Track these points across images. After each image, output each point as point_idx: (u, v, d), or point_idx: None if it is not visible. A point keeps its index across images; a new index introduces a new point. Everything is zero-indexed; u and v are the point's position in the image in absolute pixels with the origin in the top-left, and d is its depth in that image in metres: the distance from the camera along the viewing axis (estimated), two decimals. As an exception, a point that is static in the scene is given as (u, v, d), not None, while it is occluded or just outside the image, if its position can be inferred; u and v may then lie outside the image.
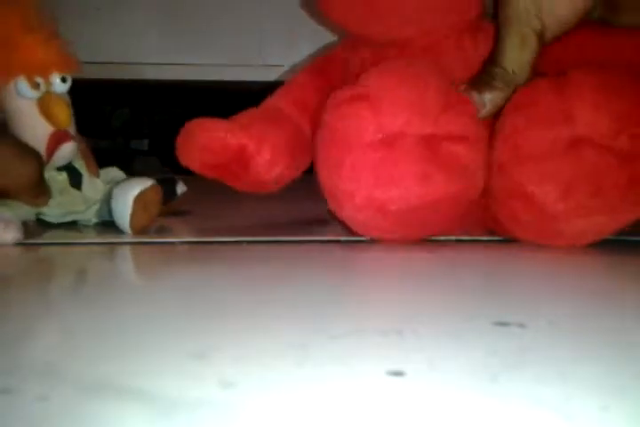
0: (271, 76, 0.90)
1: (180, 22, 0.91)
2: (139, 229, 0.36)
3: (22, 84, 0.33)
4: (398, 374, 0.15)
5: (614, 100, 0.30)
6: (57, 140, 0.34)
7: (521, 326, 0.18)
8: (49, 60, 0.34)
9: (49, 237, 0.35)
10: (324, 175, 0.32)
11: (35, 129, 0.34)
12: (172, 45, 0.91)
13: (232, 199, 0.58)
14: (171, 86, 0.99)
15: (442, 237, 0.35)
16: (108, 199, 0.37)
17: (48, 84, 0.34)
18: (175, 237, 0.36)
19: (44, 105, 0.34)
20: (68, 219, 0.38)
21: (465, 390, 0.14)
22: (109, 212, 0.37)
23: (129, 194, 0.35)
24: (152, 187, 0.36)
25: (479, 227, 0.35)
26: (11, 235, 0.33)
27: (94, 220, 0.38)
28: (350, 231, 0.33)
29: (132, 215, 0.35)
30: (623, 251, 0.32)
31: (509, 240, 0.34)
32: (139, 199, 0.35)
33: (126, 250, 0.33)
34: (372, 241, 0.34)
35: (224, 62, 0.88)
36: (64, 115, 0.34)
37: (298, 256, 0.31)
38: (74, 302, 0.22)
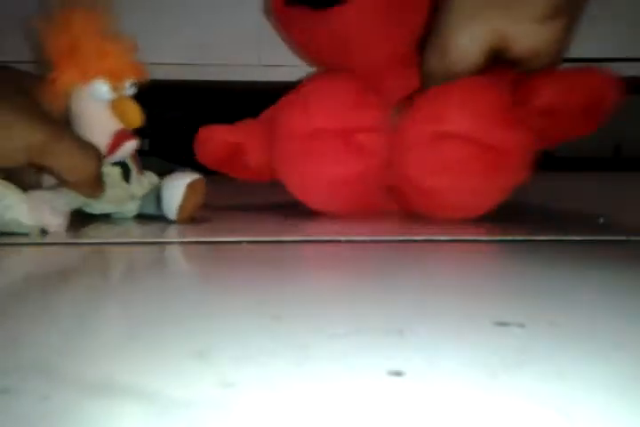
0: (270, 76, 0.90)
1: (179, 22, 0.91)
2: (185, 218, 0.40)
3: (103, 87, 0.37)
4: (398, 374, 0.15)
5: (476, 101, 0.38)
6: (122, 137, 0.39)
7: (521, 326, 0.18)
8: (126, 67, 0.38)
9: (50, 237, 0.35)
10: (274, 162, 0.43)
11: (102, 127, 0.38)
12: (171, 45, 0.91)
13: (236, 197, 0.58)
14: (171, 86, 0.99)
15: (442, 238, 0.35)
16: (152, 194, 0.41)
17: (121, 87, 0.38)
18: (173, 236, 0.36)
19: (120, 107, 0.38)
20: (110, 211, 0.41)
21: (465, 389, 0.14)
22: (155, 204, 0.40)
23: (182, 182, 0.39)
24: (200, 179, 0.40)
25: (395, 205, 0.45)
26: (57, 220, 0.35)
27: (133, 213, 0.42)
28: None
29: (183, 202, 0.39)
30: (628, 252, 0.32)
31: (509, 240, 0.34)
32: (189, 188, 0.39)
33: (124, 250, 0.33)
34: (373, 241, 0.34)
35: (224, 62, 0.87)
36: (138, 116, 0.38)
37: (298, 256, 0.31)
38: (73, 302, 0.22)
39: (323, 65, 0.48)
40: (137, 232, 0.39)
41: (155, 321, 0.19)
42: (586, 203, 0.58)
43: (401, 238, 0.35)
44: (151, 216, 0.41)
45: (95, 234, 0.37)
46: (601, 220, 0.41)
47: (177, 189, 0.39)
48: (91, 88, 0.37)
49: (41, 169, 0.36)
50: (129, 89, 0.38)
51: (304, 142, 0.41)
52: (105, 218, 0.41)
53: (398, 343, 0.17)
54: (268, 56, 0.92)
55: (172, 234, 0.37)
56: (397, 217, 0.46)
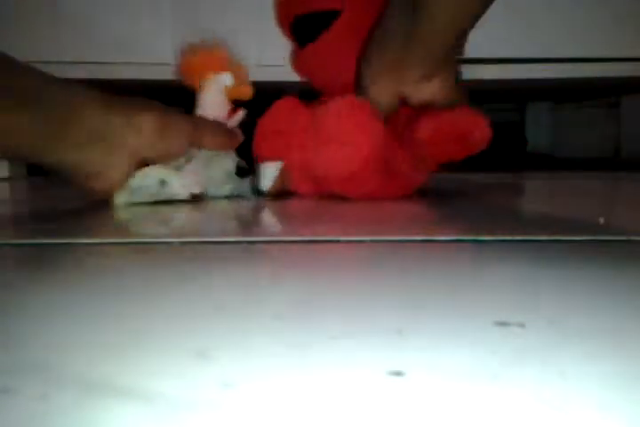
0: (270, 76, 0.90)
1: (179, 22, 0.91)
2: (274, 192, 0.56)
3: (228, 77, 0.58)
4: (398, 374, 0.15)
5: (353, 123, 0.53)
6: (234, 111, 0.59)
7: (521, 326, 0.18)
8: (240, 67, 0.59)
9: (37, 237, 0.35)
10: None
11: (221, 104, 0.58)
12: (171, 45, 0.91)
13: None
14: (172, 86, 0.99)
15: (441, 238, 0.35)
16: (246, 179, 0.57)
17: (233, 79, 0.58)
18: (173, 236, 0.36)
19: (238, 89, 0.58)
20: (222, 193, 0.56)
21: (465, 390, 0.14)
22: (249, 185, 0.57)
23: (277, 165, 0.56)
24: (284, 166, 0.57)
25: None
26: (199, 190, 0.54)
27: (226, 194, 0.57)
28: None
29: (277, 179, 0.56)
30: (628, 252, 0.32)
31: (509, 240, 0.34)
32: (281, 170, 0.56)
33: (126, 250, 0.33)
34: (373, 241, 0.34)
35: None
36: (250, 90, 0.59)
37: (298, 256, 0.31)
38: (73, 301, 0.22)
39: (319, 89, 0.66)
40: (140, 232, 0.39)
41: (154, 321, 0.19)
42: (586, 203, 0.58)
43: (401, 238, 0.35)
44: (239, 196, 0.57)
45: (97, 234, 0.37)
46: (601, 220, 0.41)
47: (273, 168, 0.56)
48: (219, 78, 0.57)
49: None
50: (230, 79, 0.58)
51: (270, 139, 0.58)
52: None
53: (398, 343, 0.17)
54: (268, 56, 0.92)
55: (172, 234, 0.37)
56: (396, 218, 0.46)
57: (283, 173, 0.56)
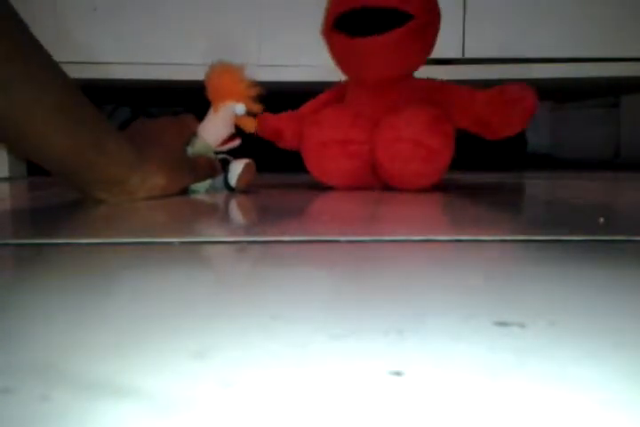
0: (270, 76, 0.90)
1: (179, 23, 0.91)
2: (241, 186, 0.64)
3: (242, 108, 0.64)
4: (398, 374, 0.15)
5: (417, 119, 0.63)
6: (232, 138, 0.66)
7: (521, 326, 0.18)
8: (251, 98, 0.64)
9: (48, 236, 0.35)
10: (303, 156, 0.70)
11: (224, 130, 0.64)
12: (171, 45, 0.91)
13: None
14: (170, 86, 0.99)
15: (441, 238, 0.35)
16: (222, 174, 0.64)
17: (245, 109, 0.64)
18: (174, 236, 0.36)
19: (243, 119, 0.65)
20: (202, 189, 0.63)
21: (465, 390, 0.14)
22: (223, 180, 0.64)
23: (242, 161, 0.64)
24: (252, 161, 0.65)
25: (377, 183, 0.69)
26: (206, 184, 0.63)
27: (206, 188, 0.63)
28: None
29: (241, 174, 0.63)
30: (628, 252, 0.32)
31: (509, 240, 0.34)
32: (246, 166, 0.63)
33: (126, 249, 0.33)
34: (372, 241, 0.34)
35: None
36: (253, 125, 0.66)
37: (298, 256, 0.31)
38: (73, 301, 0.22)
39: (348, 76, 0.71)
40: (137, 232, 0.39)
41: (154, 321, 0.19)
42: (586, 203, 0.58)
43: (401, 238, 0.35)
44: (215, 189, 0.64)
45: (96, 233, 0.37)
46: (601, 220, 0.41)
47: (239, 165, 0.63)
48: (232, 107, 0.63)
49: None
50: (243, 110, 0.64)
51: (319, 148, 0.66)
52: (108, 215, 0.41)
53: (398, 343, 0.17)
54: (267, 56, 0.92)
55: (173, 234, 0.37)
56: (397, 218, 0.46)
57: (249, 170, 0.64)
